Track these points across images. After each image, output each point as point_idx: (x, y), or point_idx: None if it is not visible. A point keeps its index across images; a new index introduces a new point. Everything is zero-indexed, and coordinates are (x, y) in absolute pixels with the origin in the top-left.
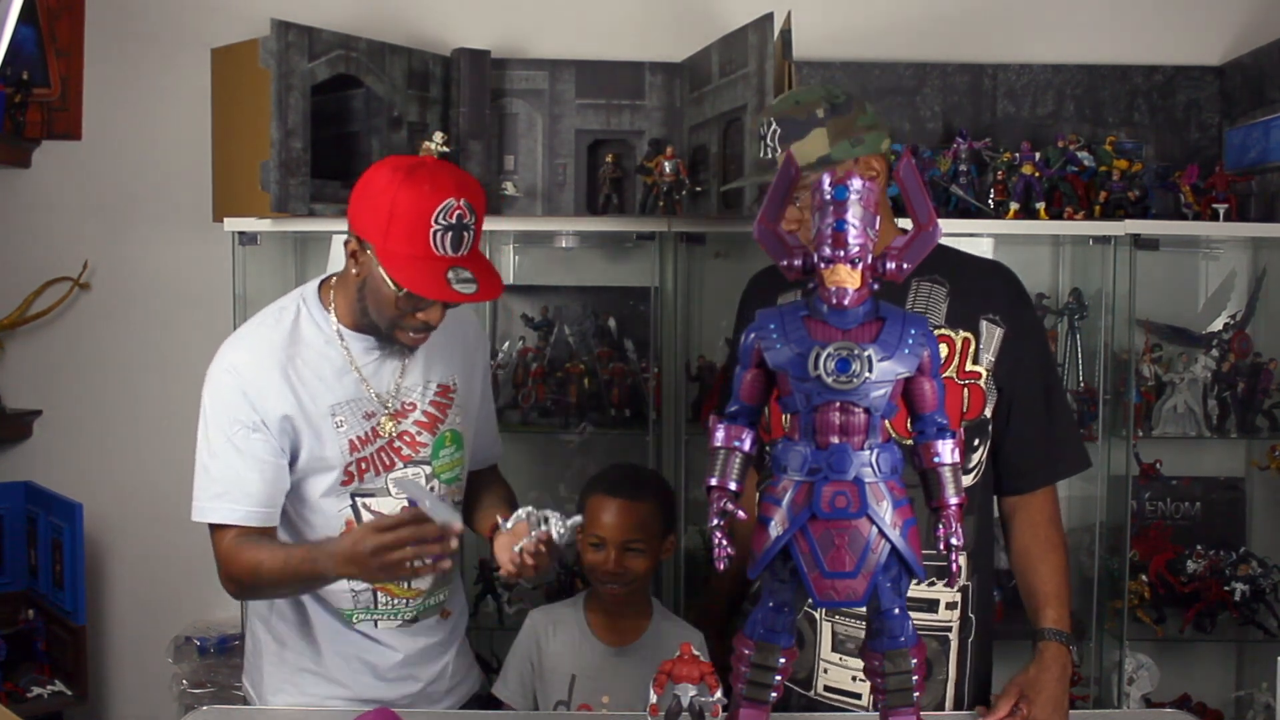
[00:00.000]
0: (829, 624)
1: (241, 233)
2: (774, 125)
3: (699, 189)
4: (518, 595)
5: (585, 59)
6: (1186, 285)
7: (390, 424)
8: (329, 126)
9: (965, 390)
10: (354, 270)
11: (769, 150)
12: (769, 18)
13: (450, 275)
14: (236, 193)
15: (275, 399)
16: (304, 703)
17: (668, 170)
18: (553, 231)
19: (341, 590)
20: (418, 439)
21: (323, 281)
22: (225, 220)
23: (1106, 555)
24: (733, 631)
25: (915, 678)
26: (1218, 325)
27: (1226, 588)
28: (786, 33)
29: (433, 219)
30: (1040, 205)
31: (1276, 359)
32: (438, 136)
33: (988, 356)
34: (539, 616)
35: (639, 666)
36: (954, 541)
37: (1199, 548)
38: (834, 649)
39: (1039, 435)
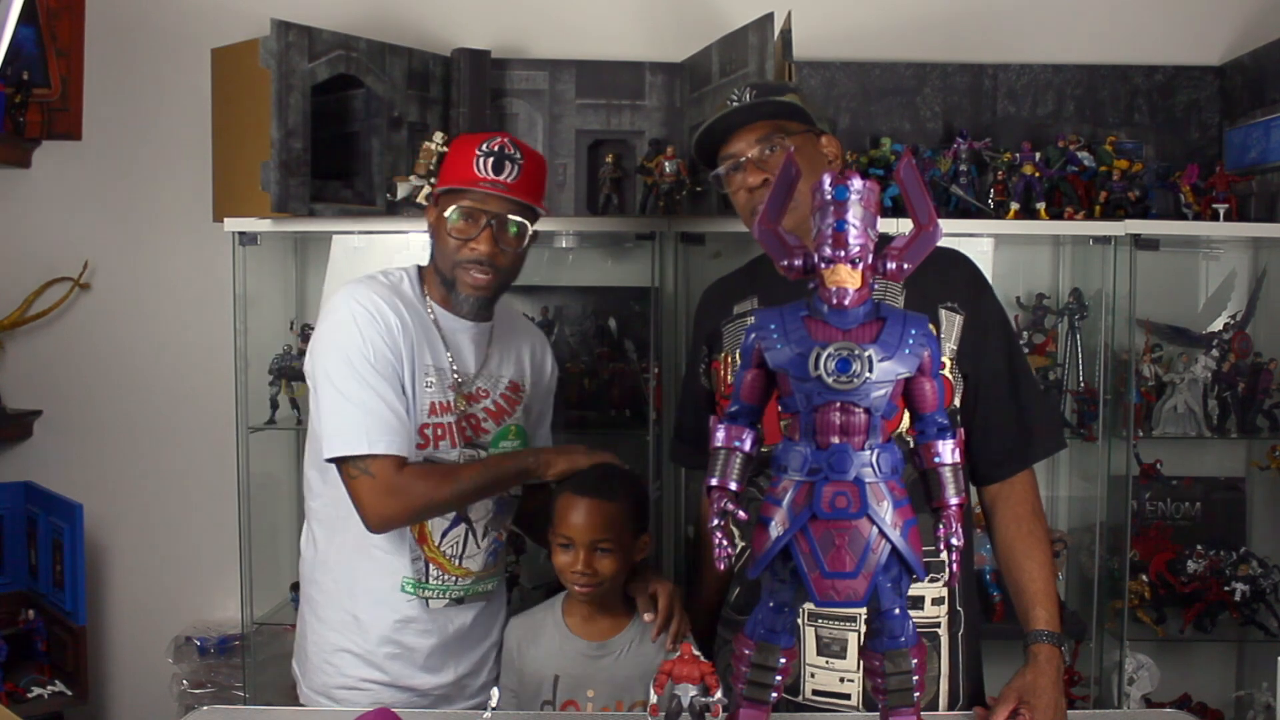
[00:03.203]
0: (811, 629)
1: (241, 233)
2: (749, 88)
3: (699, 189)
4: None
5: (585, 59)
6: (1186, 285)
7: (464, 402)
8: (329, 126)
9: None
10: (431, 221)
11: (735, 100)
12: (769, 18)
13: (483, 182)
14: (236, 193)
15: (401, 340)
16: (341, 682)
17: (668, 170)
18: (553, 231)
19: (401, 557)
20: (483, 424)
21: (422, 267)
22: (225, 220)
23: (1107, 555)
24: (715, 638)
25: (915, 678)
26: (1218, 325)
27: (1227, 588)
28: (786, 33)
29: (478, 147)
30: (1040, 205)
31: (1276, 359)
32: (438, 136)
33: (949, 345)
34: (517, 626)
35: (621, 660)
36: (954, 541)
37: (1199, 548)
38: (819, 653)
39: (1009, 419)
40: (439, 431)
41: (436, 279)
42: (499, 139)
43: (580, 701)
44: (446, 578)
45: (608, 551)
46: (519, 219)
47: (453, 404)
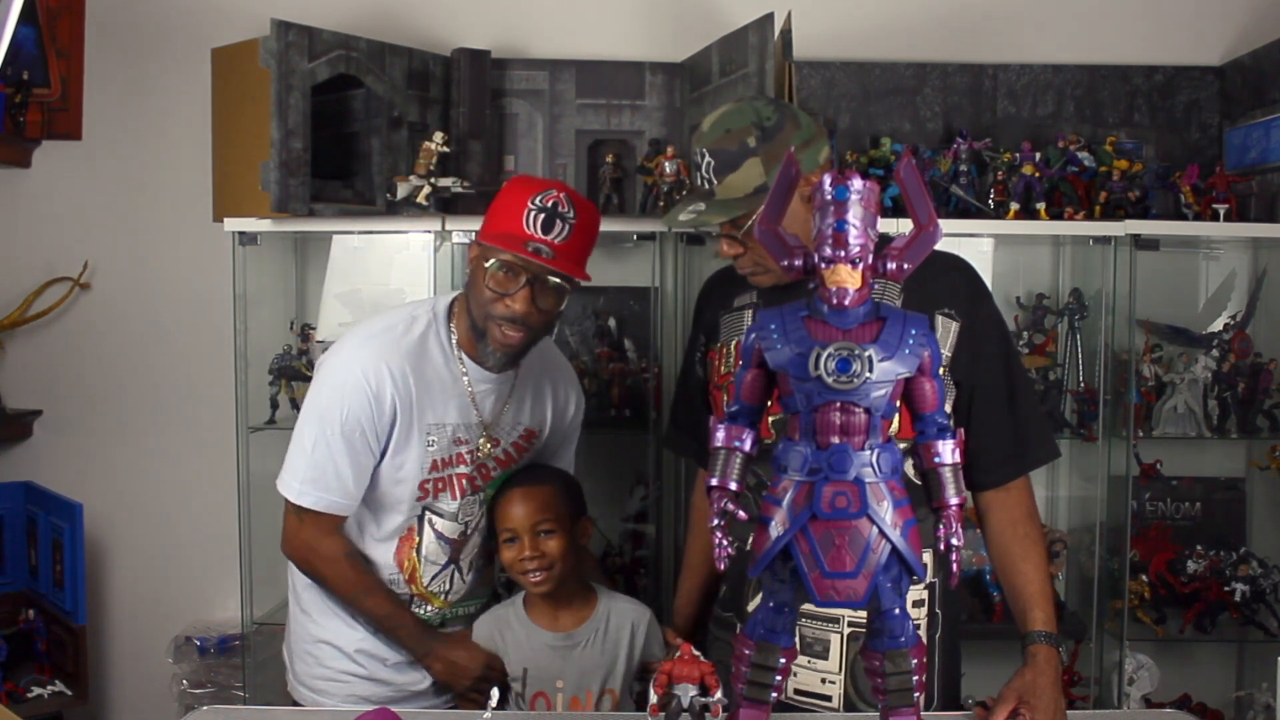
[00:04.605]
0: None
1: (241, 233)
2: (707, 157)
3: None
4: None
5: (585, 59)
6: (1186, 285)
7: (487, 445)
8: (329, 126)
9: None
10: (467, 269)
11: (705, 181)
12: (769, 18)
13: (529, 245)
14: (236, 193)
15: (390, 405)
16: (320, 673)
17: (668, 170)
18: None
19: (384, 575)
20: (492, 472)
21: (455, 298)
22: (225, 220)
23: (1107, 555)
24: (701, 641)
25: (915, 678)
26: (1218, 325)
27: (1227, 588)
28: (787, 33)
29: (529, 201)
30: (1040, 205)
31: (1276, 359)
32: (438, 136)
33: (944, 352)
34: (483, 624)
35: (588, 650)
36: (954, 541)
37: (1199, 548)
38: (802, 652)
39: (1004, 427)
40: (439, 485)
41: (467, 320)
42: (554, 194)
43: (550, 693)
44: (431, 608)
45: (550, 533)
46: (560, 280)
47: (456, 458)
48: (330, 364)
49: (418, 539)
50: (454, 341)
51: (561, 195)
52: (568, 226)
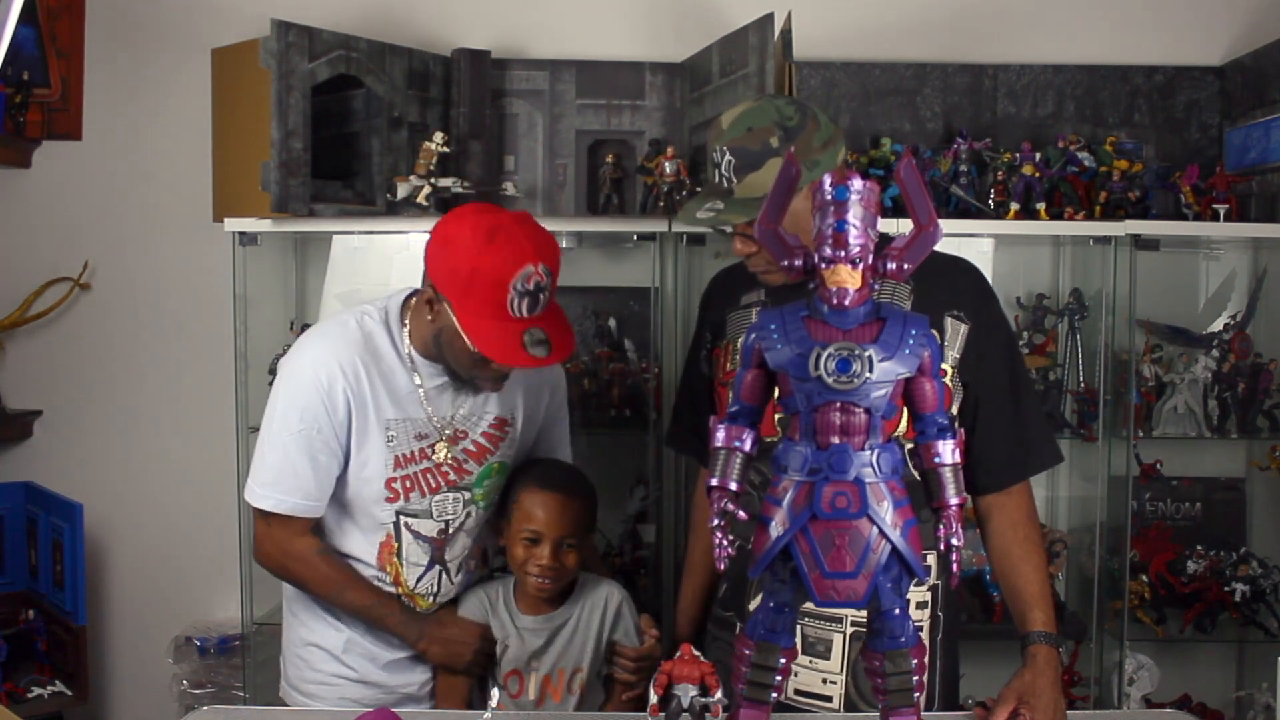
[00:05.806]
0: (797, 627)
1: (241, 233)
2: (728, 155)
3: (699, 189)
4: None
5: (585, 59)
6: (1187, 286)
7: (445, 448)
8: (329, 126)
9: None
10: (429, 317)
11: (724, 180)
12: (769, 18)
13: (525, 338)
14: (236, 193)
15: (343, 401)
16: (311, 676)
17: (668, 171)
18: (553, 231)
19: (371, 573)
20: (464, 466)
21: (408, 297)
22: (225, 220)
23: (1107, 555)
24: (702, 643)
25: (916, 678)
26: (1218, 326)
27: (1227, 588)
28: (787, 33)
29: (511, 285)
30: (1040, 206)
31: (1277, 359)
32: (438, 137)
33: (952, 353)
34: (473, 602)
35: (568, 633)
36: (954, 542)
37: (1199, 548)
38: (804, 652)
39: (1009, 431)
40: (407, 484)
41: (421, 335)
42: (532, 272)
43: (525, 674)
44: (420, 610)
45: (573, 547)
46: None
47: (420, 454)
48: (285, 367)
49: (397, 544)
50: (406, 341)
51: (539, 267)
52: (546, 291)
